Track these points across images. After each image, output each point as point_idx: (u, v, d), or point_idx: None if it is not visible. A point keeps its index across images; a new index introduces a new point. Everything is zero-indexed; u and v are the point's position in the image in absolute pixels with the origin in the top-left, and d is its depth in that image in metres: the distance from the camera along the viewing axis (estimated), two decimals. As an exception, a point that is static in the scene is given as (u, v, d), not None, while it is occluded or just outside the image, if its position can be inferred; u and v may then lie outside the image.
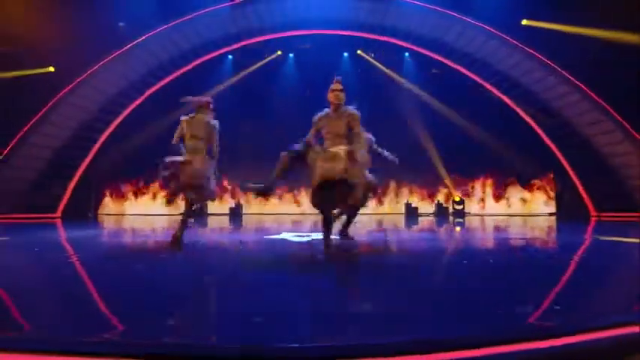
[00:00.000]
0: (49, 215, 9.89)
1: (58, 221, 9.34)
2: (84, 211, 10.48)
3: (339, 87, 3.74)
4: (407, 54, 12.15)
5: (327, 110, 3.77)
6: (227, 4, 10.14)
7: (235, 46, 11.34)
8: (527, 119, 10.84)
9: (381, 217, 11.63)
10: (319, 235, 4.50)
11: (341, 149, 3.49)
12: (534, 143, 11.06)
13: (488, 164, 11.97)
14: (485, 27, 10.07)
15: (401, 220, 10.30)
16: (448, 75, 11.16)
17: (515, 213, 12.07)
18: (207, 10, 10.13)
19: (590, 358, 1.38)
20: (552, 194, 11.90)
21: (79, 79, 9.79)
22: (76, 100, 9.98)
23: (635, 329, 1.45)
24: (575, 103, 10.09)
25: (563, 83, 10.01)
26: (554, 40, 9.48)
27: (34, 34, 8.75)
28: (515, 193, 12.27)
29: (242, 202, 12.15)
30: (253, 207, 12.26)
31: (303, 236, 5.42)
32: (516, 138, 10.90)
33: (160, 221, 9.09)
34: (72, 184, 10.26)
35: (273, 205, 12.23)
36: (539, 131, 10.81)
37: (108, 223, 8.77)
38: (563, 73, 9.95)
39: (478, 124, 11.28)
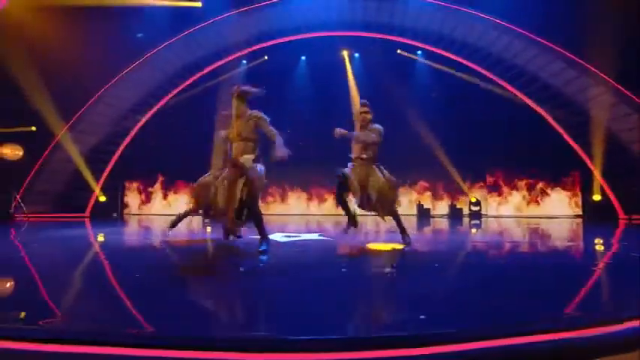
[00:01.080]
0: (80, 215, 10.82)
1: (86, 220, 10.21)
2: (110, 210, 11.32)
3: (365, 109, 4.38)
4: (419, 52, 11.95)
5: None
6: (235, 11, 10.54)
7: (248, 51, 11.75)
8: (545, 115, 10.25)
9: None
10: (309, 236, 4.90)
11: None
12: (556, 140, 10.45)
13: (507, 164, 11.45)
14: (497, 21, 9.67)
15: (412, 222, 10.16)
16: (460, 71, 10.84)
17: (537, 215, 11.43)
18: (216, 18, 10.59)
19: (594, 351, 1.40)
20: (578, 195, 11.16)
21: (104, 87, 10.62)
22: (102, 109, 10.83)
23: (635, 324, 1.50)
24: (598, 95, 9.42)
25: (585, 75, 9.37)
26: (572, 29, 8.90)
27: (65, 48, 9.58)
28: (537, 194, 11.62)
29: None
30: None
31: (292, 236, 5.52)
32: (536, 136, 10.35)
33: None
34: (99, 185, 11.12)
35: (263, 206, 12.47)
36: (560, 128, 10.19)
37: (123, 222, 9.47)
38: (585, 64, 9.33)
39: (494, 122, 10.83)
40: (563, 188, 11.34)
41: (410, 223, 8.84)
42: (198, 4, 10.12)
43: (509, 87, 10.73)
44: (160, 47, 10.73)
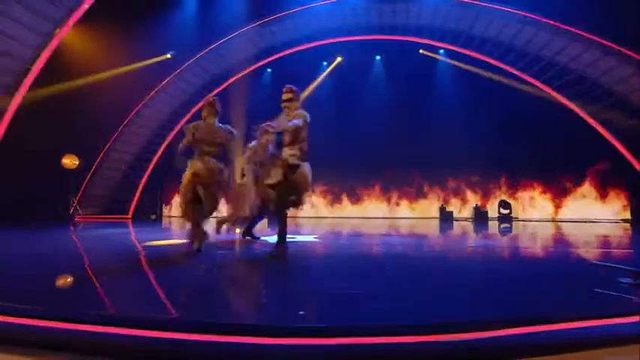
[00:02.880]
0: (123, 216, 12.14)
1: (128, 222, 11.45)
2: (150, 212, 12.52)
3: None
4: (442, 51, 11.54)
5: None
6: (253, 24, 11.09)
7: (270, 59, 12.28)
8: (578, 110, 9.34)
9: (414, 221, 11.27)
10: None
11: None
12: (596, 139, 9.47)
13: (540, 164, 10.61)
14: (517, 12, 9.03)
15: (434, 225, 9.87)
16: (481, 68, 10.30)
17: (579, 219, 10.41)
18: (238, 32, 11.23)
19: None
20: (626, 197, 9.97)
21: (142, 102, 11.80)
22: (141, 121, 12.04)
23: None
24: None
25: (625, 63, 8.37)
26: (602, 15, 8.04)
27: (105, 66, 10.84)
28: (577, 197, 10.60)
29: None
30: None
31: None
32: (573, 135, 9.47)
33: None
34: (139, 189, 12.37)
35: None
36: (595, 124, 9.22)
37: (159, 223, 10.46)
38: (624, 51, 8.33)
39: (525, 121, 10.12)
40: (605, 190, 10.23)
41: (429, 228, 8.63)
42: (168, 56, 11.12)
43: (537, 83, 9.95)
44: (189, 62, 11.63)
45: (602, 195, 10.27)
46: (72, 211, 11.69)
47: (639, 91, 8.55)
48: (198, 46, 11.39)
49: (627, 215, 9.92)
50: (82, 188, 12.12)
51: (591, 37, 8.57)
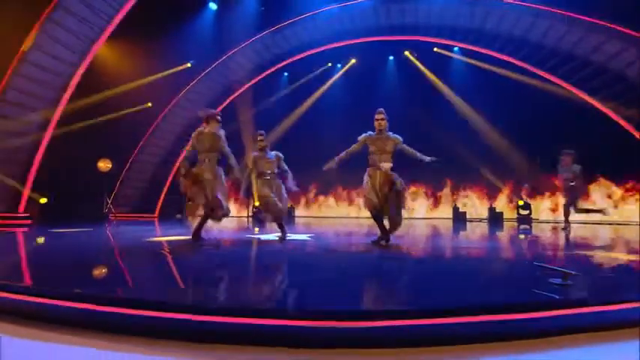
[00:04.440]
0: (151, 215, 13.03)
1: (155, 220, 12.30)
2: (175, 212, 13.33)
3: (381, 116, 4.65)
4: (456, 48, 11.32)
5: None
6: (267, 31, 11.50)
7: (285, 63, 12.66)
8: (598, 105, 8.80)
9: (427, 221, 11.14)
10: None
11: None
12: (618, 135, 8.89)
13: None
14: (528, 4, 8.69)
15: (447, 226, 9.73)
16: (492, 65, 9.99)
17: (601, 221, 9.80)
18: (253, 39, 11.70)
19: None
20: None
21: (165, 111, 12.61)
22: (166, 126, 12.87)
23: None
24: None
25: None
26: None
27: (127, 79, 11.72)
28: (599, 197, 9.99)
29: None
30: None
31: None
32: (593, 131, 8.95)
33: (231, 222, 10.98)
34: (164, 190, 13.21)
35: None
36: (618, 118, 8.65)
37: (183, 222, 11.16)
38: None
39: (544, 119, 9.71)
40: (631, 190, 9.56)
41: (437, 229, 8.55)
42: (188, 65, 11.54)
43: (563, 83, 9.49)
44: (208, 70, 12.28)
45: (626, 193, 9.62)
46: (106, 210, 12.74)
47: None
48: (216, 54, 11.99)
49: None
50: (115, 189, 13.17)
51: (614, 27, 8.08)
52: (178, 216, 13.36)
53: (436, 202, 12.01)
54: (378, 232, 4.70)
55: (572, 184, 6.92)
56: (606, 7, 7.78)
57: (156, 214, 13.21)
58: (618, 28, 8.07)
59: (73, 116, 10.09)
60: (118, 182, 13.14)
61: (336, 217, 12.71)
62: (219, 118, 4.76)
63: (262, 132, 5.51)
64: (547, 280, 2.49)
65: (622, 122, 8.85)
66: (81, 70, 9.33)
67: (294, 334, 1.65)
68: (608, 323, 1.82)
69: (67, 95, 9.47)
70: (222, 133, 4.71)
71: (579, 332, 1.81)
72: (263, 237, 5.99)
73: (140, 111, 12.44)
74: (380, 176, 4.50)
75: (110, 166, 13.34)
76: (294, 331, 1.66)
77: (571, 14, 8.38)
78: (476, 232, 7.72)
